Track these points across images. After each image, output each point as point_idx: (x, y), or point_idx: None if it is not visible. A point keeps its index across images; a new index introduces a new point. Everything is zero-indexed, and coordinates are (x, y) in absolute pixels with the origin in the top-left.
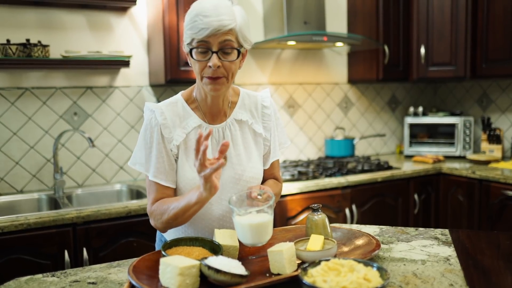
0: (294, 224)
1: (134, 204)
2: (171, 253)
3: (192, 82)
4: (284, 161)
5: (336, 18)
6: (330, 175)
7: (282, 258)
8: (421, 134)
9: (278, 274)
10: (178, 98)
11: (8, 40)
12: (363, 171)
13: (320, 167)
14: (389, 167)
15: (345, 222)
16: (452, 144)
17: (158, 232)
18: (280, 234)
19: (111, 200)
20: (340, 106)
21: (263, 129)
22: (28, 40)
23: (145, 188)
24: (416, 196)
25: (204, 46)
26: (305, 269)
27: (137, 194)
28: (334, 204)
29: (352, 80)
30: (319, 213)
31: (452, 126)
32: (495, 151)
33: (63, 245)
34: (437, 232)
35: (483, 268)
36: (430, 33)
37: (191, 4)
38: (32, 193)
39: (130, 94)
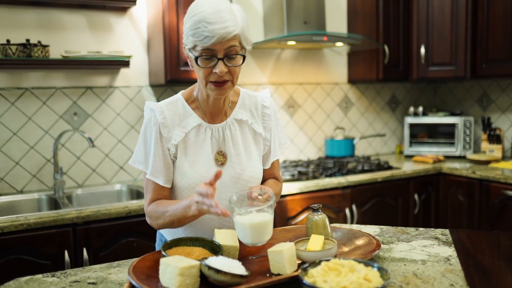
0: (294, 224)
1: (134, 204)
2: (171, 253)
3: (192, 82)
4: (284, 161)
5: (336, 18)
6: (330, 175)
7: (283, 258)
8: (421, 134)
9: (279, 274)
10: (178, 97)
11: (8, 40)
12: (363, 171)
13: (320, 167)
14: (389, 167)
15: (345, 222)
16: (452, 144)
17: (158, 232)
18: (280, 234)
19: (111, 200)
20: (340, 106)
21: (263, 129)
22: (28, 40)
23: None
24: (416, 196)
25: (209, 53)
26: (305, 269)
27: (137, 194)
28: (334, 204)
29: (352, 80)
30: (319, 213)
31: (452, 126)
32: (495, 151)
33: (63, 245)
34: (438, 232)
35: (484, 268)
36: (430, 33)
37: (191, 4)
38: (32, 193)
39: (130, 94)
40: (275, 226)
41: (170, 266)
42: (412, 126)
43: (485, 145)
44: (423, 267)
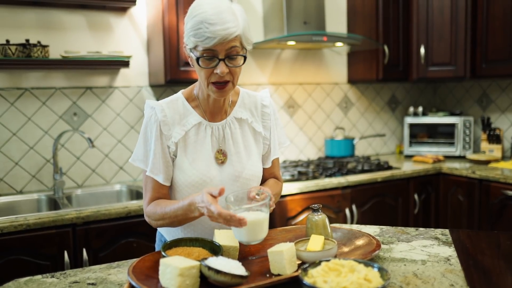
0: (294, 225)
1: (134, 204)
2: (171, 253)
3: (192, 82)
4: (284, 161)
5: (336, 18)
6: (330, 175)
7: (283, 258)
8: (421, 134)
9: (279, 275)
10: (179, 96)
11: (7, 41)
12: (363, 171)
13: (320, 167)
14: (389, 167)
15: (345, 222)
16: (452, 144)
17: (157, 232)
18: (280, 234)
19: (110, 201)
20: (340, 106)
21: (262, 128)
22: (27, 40)
23: None
24: (416, 196)
25: (210, 54)
26: (305, 270)
27: (137, 194)
28: (334, 204)
29: (352, 80)
30: (319, 213)
31: (452, 126)
32: (495, 151)
33: (63, 245)
34: (437, 232)
35: (484, 268)
36: (429, 33)
37: (191, 4)
38: (31, 193)
39: (130, 95)
40: (275, 226)
41: (170, 267)
42: (412, 126)
43: (484, 145)
44: (423, 267)
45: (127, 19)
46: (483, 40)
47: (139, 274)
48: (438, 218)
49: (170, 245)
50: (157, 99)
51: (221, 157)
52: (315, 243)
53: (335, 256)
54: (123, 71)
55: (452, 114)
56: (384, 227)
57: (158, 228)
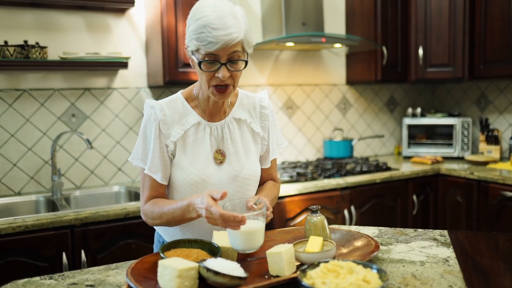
0: (293, 226)
1: (133, 205)
2: (169, 255)
3: (190, 83)
4: (283, 162)
5: (334, 19)
6: (329, 176)
7: (281, 260)
8: (419, 135)
9: (277, 276)
10: (178, 96)
11: (5, 42)
12: (361, 172)
13: (319, 168)
14: (388, 168)
15: (344, 223)
16: (450, 145)
17: (156, 233)
18: (279, 235)
19: (109, 202)
20: (339, 107)
21: (261, 128)
22: (26, 41)
23: None
24: (414, 197)
25: (212, 58)
26: (304, 271)
27: (136, 195)
28: (332, 205)
29: (350, 81)
30: (318, 214)
31: (450, 127)
32: (493, 152)
33: (61, 247)
34: (436, 233)
35: (482, 269)
36: (428, 34)
37: (190, 5)
38: (30, 195)
39: (129, 96)
40: (274, 227)
41: (168, 268)
42: (410, 127)
43: (483, 146)
44: (421, 268)
45: (125, 20)
46: (481, 41)
47: (138, 276)
48: (436, 219)
49: (169, 247)
50: (156, 100)
51: (220, 157)
52: (314, 244)
53: (334, 258)
54: (121, 72)
55: (451, 115)
56: (383, 228)
57: (156, 229)
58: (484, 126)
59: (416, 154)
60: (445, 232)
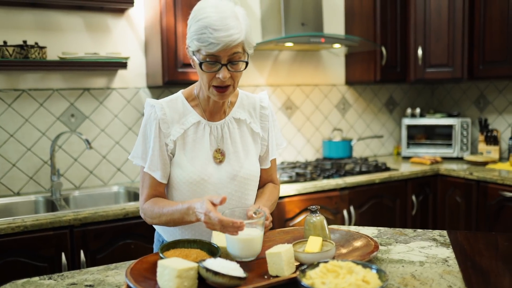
0: (292, 226)
1: (132, 206)
2: (169, 255)
3: (190, 83)
4: (282, 163)
5: (334, 20)
6: (328, 177)
7: (281, 260)
8: (418, 136)
9: (277, 276)
10: (179, 95)
11: (5, 42)
12: (361, 172)
13: (318, 169)
14: (387, 169)
15: (343, 223)
16: (449, 145)
17: (156, 233)
18: (278, 236)
19: (108, 202)
20: (338, 107)
21: (260, 129)
22: (25, 41)
23: None
24: (414, 198)
25: (213, 59)
26: (303, 271)
27: (135, 196)
28: (332, 205)
29: (349, 82)
30: (317, 214)
31: (450, 127)
32: (492, 152)
33: (60, 247)
34: (435, 233)
35: (482, 270)
36: (427, 34)
37: (189, 6)
38: (29, 195)
39: (128, 96)
40: (273, 228)
41: (168, 268)
42: (409, 127)
43: (482, 146)
44: (421, 269)
45: (124, 21)
46: (480, 42)
47: (137, 276)
48: (436, 219)
49: (168, 247)
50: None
51: (219, 156)
52: (313, 244)
53: (333, 258)
54: (120, 72)
55: (450, 115)
56: (382, 229)
57: (156, 229)
58: (483, 127)
59: (415, 155)
60: (445, 232)
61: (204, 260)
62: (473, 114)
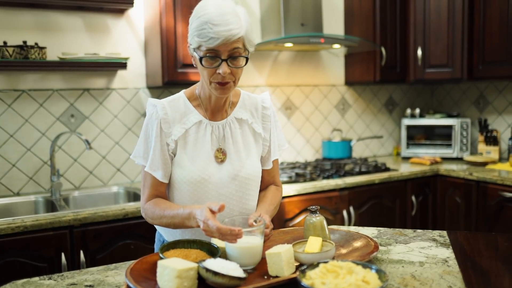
0: (292, 226)
1: (132, 206)
2: (168, 255)
3: (189, 84)
4: (282, 163)
5: (333, 20)
6: (328, 177)
7: (281, 260)
8: (418, 136)
9: (276, 277)
10: (180, 95)
11: (5, 42)
12: (360, 172)
13: (318, 169)
14: (387, 169)
15: (342, 224)
16: (449, 145)
17: (157, 233)
18: (278, 236)
19: (108, 203)
20: (337, 108)
21: (262, 129)
22: (25, 42)
23: None
24: (413, 198)
25: (213, 54)
26: (303, 271)
27: (134, 196)
28: (331, 206)
29: (349, 82)
30: (317, 215)
31: (449, 127)
32: (492, 152)
33: (60, 247)
34: (435, 233)
35: (482, 270)
36: (426, 35)
37: (189, 6)
38: (28, 195)
39: (127, 96)
40: (273, 228)
41: (167, 269)
42: (409, 127)
43: (482, 146)
44: (421, 269)
45: (124, 21)
46: (480, 42)
47: (137, 276)
48: (435, 219)
49: (168, 247)
50: None
51: (221, 155)
52: (313, 244)
53: (333, 258)
54: (120, 72)
55: (449, 115)
56: (382, 229)
57: (157, 229)
58: (483, 127)
59: (415, 155)
60: (444, 232)
61: (204, 260)
62: (472, 115)
